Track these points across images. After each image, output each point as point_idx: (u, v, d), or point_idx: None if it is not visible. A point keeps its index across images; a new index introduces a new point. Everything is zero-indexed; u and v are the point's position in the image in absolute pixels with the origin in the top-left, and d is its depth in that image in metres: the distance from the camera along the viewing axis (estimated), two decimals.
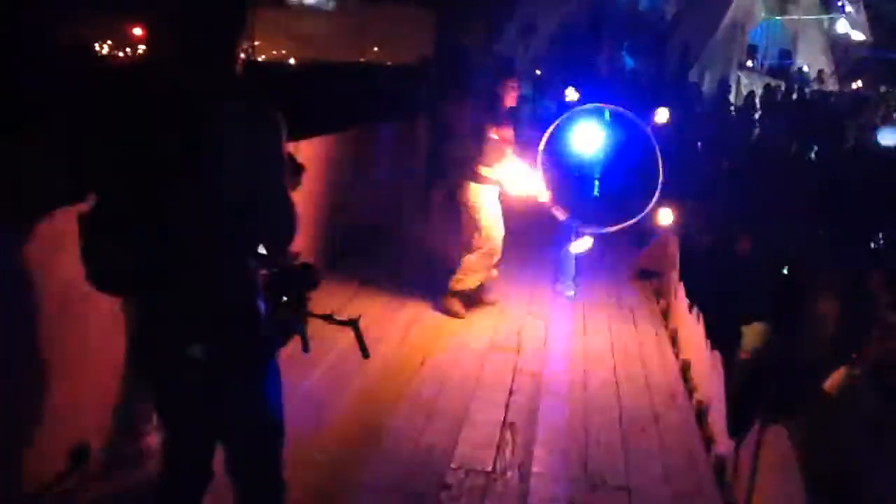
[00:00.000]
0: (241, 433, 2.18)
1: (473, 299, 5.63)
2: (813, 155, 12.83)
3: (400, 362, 4.65)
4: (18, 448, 2.75)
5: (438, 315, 5.51)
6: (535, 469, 3.54)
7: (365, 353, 2.66)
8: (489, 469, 3.50)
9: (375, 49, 26.75)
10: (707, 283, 5.09)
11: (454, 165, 5.46)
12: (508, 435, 3.83)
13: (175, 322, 2.02)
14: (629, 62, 15.92)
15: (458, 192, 5.42)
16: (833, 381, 3.47)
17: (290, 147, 2.41)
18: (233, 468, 2.21)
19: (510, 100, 5.42)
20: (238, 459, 2.19)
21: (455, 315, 5.47)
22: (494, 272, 5.70)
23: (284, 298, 2.29)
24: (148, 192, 1.93)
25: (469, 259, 5.44)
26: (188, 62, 2.02)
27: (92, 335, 3.01)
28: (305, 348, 2.40)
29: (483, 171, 5.28)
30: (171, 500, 2.27)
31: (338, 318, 2.66)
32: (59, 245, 2.65)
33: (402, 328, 5.22)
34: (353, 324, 2.69)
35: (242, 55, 2.16)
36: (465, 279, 5.47)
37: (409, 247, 7.20)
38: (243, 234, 2.02)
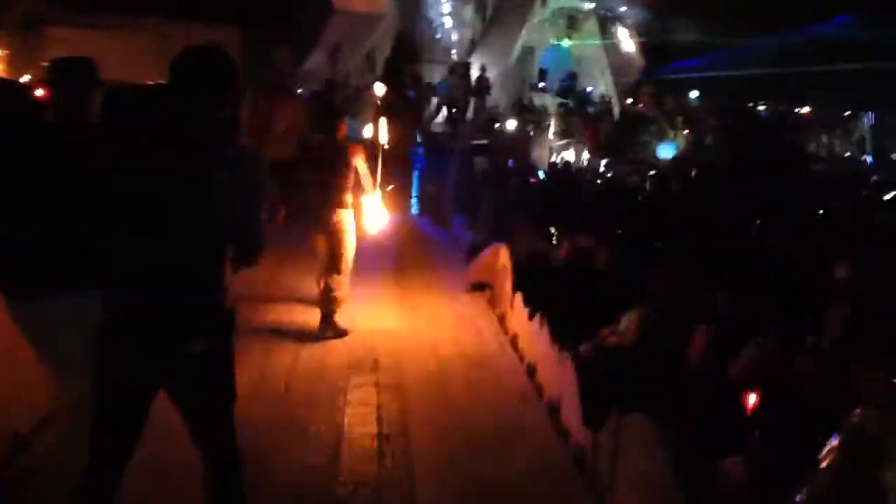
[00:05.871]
0: (208, 402, 2.58)
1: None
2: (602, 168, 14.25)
3: (263, 389, 4.67)
4: None
5: (292, 339, 5.58)
6: (419, 475, 3.74)
7: None
8: (376, 480, 3.66)
9: None
10: (544, 292, 5.53)
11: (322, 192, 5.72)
12: (387, 446, 4.00)
13: (160, 315, 2.40)
14: (440, 85, 16.64)
15: (329, 216, 5.67)
16: None
17: None
18: (198, 435, 2.57)
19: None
20: (205, 426, 2.58)
21: (343, 334, 5.72)
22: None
23: None
24: (147, 214, 2.36)
25: (340, 280, 5.72)
26: (181, 111, 2.46)
27: None
28: None
29: (348, 196, 5.73)
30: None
31: None
32: None
33: (260, 353, 5.22)
34: None
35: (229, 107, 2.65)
36: (339, 299, 5.73)
37: None
38: (219, 249, 2.45)
